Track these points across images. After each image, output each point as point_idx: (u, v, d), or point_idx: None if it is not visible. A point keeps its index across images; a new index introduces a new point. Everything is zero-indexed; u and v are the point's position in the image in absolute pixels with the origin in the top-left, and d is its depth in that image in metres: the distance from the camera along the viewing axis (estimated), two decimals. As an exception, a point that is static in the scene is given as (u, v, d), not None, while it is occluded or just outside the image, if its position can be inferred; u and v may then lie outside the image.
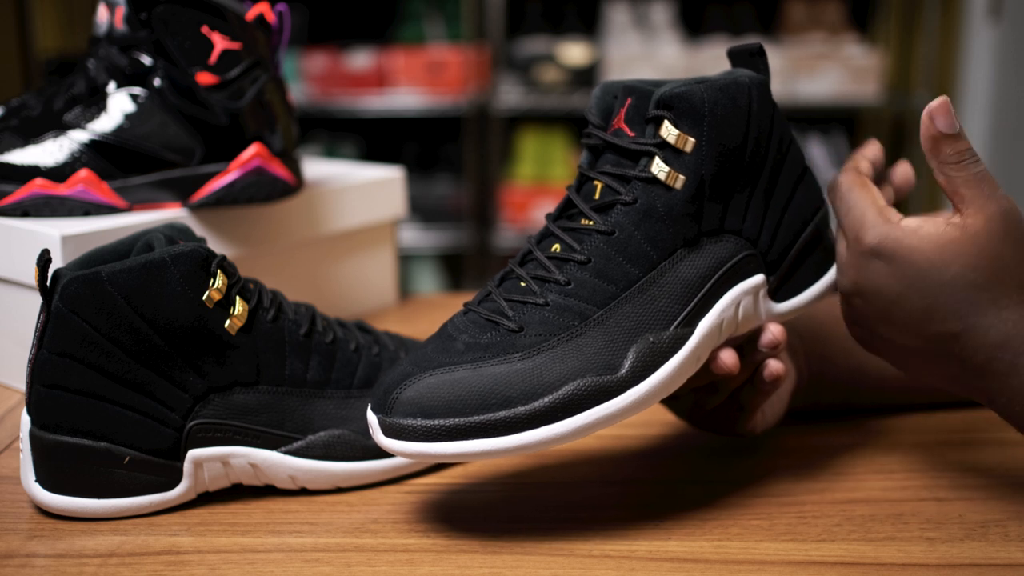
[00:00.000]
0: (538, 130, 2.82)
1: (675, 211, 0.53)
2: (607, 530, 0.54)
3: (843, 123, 2.92)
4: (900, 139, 2.88)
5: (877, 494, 0.58)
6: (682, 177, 0.53)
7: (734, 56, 0.58)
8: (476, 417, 0.49)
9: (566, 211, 0.56)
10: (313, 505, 0.58)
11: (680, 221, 0.54)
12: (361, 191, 0.91)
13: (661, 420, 0.69)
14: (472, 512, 0.57)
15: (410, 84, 2.70)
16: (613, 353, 0.51)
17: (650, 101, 0.54)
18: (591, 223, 0.54)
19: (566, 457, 0.64)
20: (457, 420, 0.49)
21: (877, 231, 0.53)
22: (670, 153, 0.53)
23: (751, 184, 0.56)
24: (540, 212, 2.71)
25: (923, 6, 2.72)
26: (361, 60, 2.70)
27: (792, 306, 0.58)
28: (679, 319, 0.53)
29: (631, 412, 0.51)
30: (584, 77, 2.67)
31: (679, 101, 0.53)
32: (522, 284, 0.54)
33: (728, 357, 0.55)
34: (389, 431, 0.51)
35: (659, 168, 0.53)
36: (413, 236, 2.76)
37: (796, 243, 0.58)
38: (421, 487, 0.60)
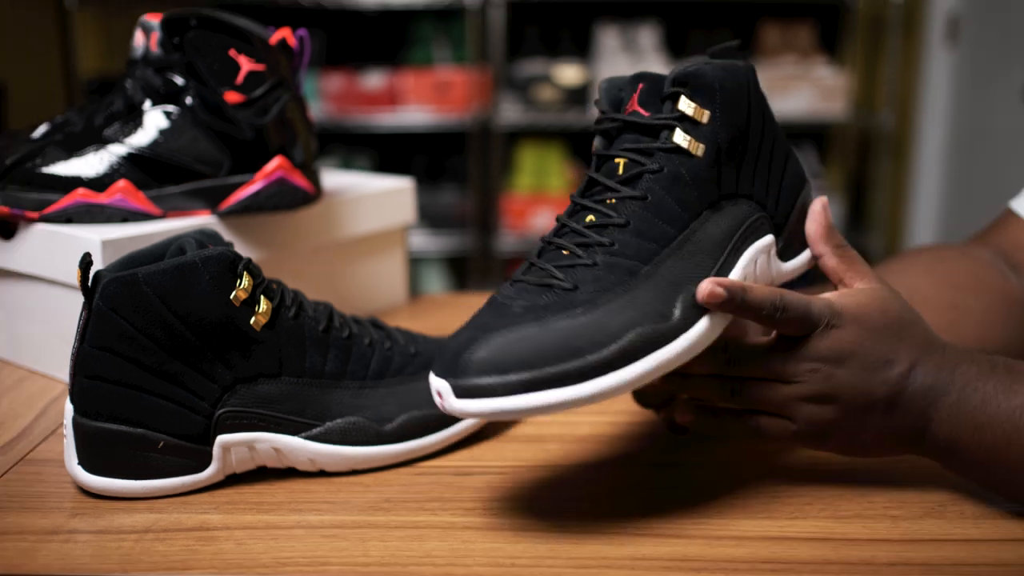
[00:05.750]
0: (536, 144, 2.82)
1: (699, 176, 0.54)
2: (599, 509, 0.54)
3: (814, 138, 2.92)
4: (865, 152, 2.87)
5: (845, 475, 0.58)
6: (702, 145, 0.54)
7: (716, 56, 0.58)
8: (550, 368, 0.47)
9: (589, 190, 0.56)
10: (331, 485, 0.58)
11: (703, 185, 0.54)
12: (374, 200, 0.91)
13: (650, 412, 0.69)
14: (477, 492, 0.57)
15: (419, 102, 2.70)
16: (664, 303, 0.50)
17: (661, 84, 0.55)
18: (621, 193, 0.53)
19: (563, 441, 0.64)
20: (533, 373, 0.47)
21: (822, 307, 0.52)
22: (689, 124, 0.54)
23: (756, 154, 0.57)
24: (538, 219, 2.71)
25: (886, 32, 2.72)
26: (374, 80, 2.70)
27: (796, 265, 0.60)
28: (712, 272, 0.53)
29: (684, 357, 0.50)
30: (578, 96, 2.67)
31: (693, 78, 0.54)
32: (564, 252, 0.52)
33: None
34: (463, 392, 0.48)
35: (681, 138, 0.54)
36: (422, 241, 2.76)
37: (794, 208, 0.59)
38: (430, 469, 0.60)
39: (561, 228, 0.54)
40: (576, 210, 0.55)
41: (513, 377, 0.47)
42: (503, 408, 0.47)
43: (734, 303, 0.51)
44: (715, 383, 0.54)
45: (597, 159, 0.56)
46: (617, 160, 0.55)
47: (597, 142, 0.57)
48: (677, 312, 0.50)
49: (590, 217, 0.53)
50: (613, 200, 0.53)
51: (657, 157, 0.54)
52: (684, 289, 0.51)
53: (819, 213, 0.58)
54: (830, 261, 0.56)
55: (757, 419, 0.55)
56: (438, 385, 0.49)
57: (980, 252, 0.71)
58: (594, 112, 2.62)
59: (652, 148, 0.54)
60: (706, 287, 0.50)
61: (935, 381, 0.52)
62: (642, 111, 0.55)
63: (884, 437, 0.54)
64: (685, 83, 0.54)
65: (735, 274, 0.54)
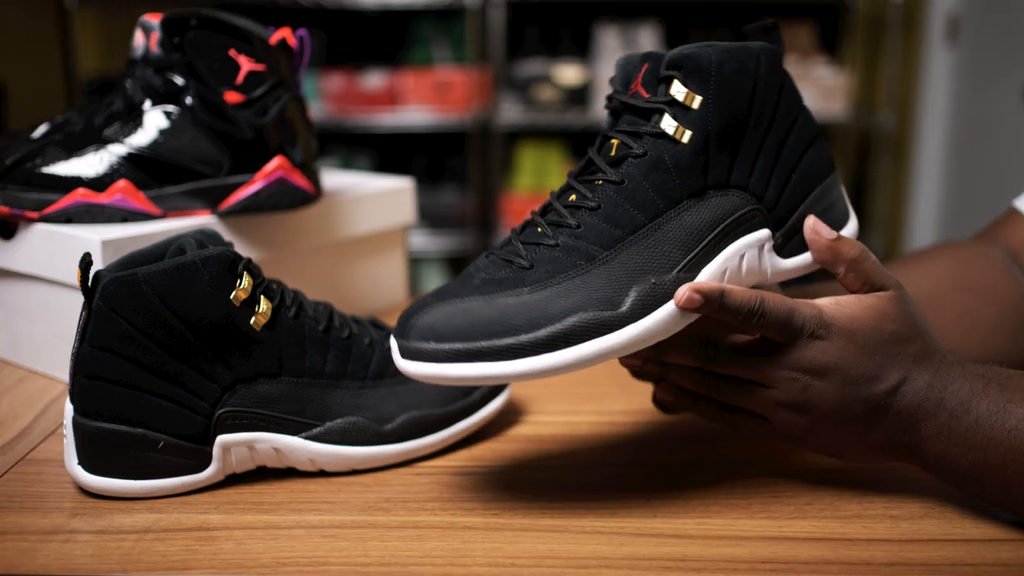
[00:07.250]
0: (536, 144, 2.82)
1: (682, 163, 0.53)
2: (599, 509, 0.54)
3: (813, 138, 2.92)
4: (865, 152, 2.88)
5: (844, 475, 0.58)
6: (688, 132, 0.53)
7: (750, 33, 0.58)
8: (483, 343, 0.48)
9: (585, 170, 0.55)
10: (331, 486, 0.58)
11: (686, 173, 0.53)
12: (374, 200, 0.91)
13: (650, 409, 0.69)
14: (476, 492, 0.57)
15: (419, 102, 2.70)
16: (616, 291, 0.50)
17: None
18: (608, 175, 0.53)
19: (562, 442, 0.64)
20: (466, 344, 0.48)
21: (808, 315, 0.51)
22: (679, 109, 0.53)
23: (758, 143, 0.55)
24: (537, 219, 2.71)
25: (886, 31, 2.72)
26: (374, 80, 2.70)
27: (798, 263, 0.56)
28: (681, 265, 0.52)
29: (629, 348, 0.50)
30: (577, 96, 2.67)
31: (687, 61, 0.53)
32: (539, 229, 0.53)
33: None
34: (406, 353, 0.50)
35: (668, 123, 0.53)
36: (422, 241, 2.76)
37: (804, 203, 0.56)
38: (429, 469, 0.60)
39: (548, 206, 0.55)
40: (565, 189, 0.55)
41: (447, 346, 0.49)
42: (438, 374, 0.49)
43: (711, 307, 0.50)
44: (696, 374, 0.55)
45: (599, 138, 0.56)
46: (612, 140, 0.55)
47: (606, 119, 0.57)
48: (628, 302, 0.50)
49: (572, 197, 0.54)
50: (600, 182, 0.53)
51: (644, 141, 0.53)
52: (641, 279, 0.50)
53: (812, 231, 0.55)
54: (847, 281, 0.54)
55: (734, 414, 0.55)
56: (392, 344, 0.52)
57: (995, 252, 0.70)
58: (595, 111, 2.59)
59: (641, 131, 0.54)
60: (683, 293, 0.50)
61: (924, 400, 0.51)
62: (643, 92, 0.55)
63: (862, 449, 0.53)
64: (679, 66, 0.53)
65: (712, 268, 0.53)
